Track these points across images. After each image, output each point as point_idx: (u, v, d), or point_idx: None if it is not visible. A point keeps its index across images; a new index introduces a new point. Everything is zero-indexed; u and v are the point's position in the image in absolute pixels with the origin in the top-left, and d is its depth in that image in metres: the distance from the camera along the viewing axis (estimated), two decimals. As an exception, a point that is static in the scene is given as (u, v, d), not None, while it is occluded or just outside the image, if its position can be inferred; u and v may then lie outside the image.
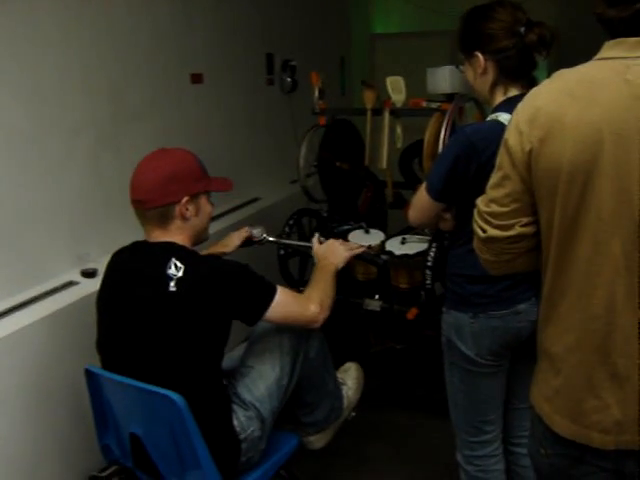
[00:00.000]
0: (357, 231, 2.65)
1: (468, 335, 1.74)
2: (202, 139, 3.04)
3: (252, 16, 3.41)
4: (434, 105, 2.37)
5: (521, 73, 1.66)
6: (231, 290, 1.67)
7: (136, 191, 1.72)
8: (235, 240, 2.27)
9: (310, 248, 2.22)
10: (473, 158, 1.61)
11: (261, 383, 1.83)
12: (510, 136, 1.17)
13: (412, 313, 2.41)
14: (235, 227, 2.88)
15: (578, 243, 1.11)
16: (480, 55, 1.64)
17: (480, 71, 1.66)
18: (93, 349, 1.81)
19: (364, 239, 2.55)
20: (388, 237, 2.60)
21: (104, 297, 1.78)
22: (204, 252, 2.03)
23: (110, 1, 2.43)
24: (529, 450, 1.35)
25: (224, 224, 3.06)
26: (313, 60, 3.79)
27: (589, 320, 1.12)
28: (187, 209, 1.72)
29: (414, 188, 2.83)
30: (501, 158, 1.20)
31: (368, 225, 2.67)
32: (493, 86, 1.68)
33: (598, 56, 1.13)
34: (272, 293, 1.73)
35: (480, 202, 1.26)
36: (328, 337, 2.38)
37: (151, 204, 1.69)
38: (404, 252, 2.44)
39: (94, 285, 1.98)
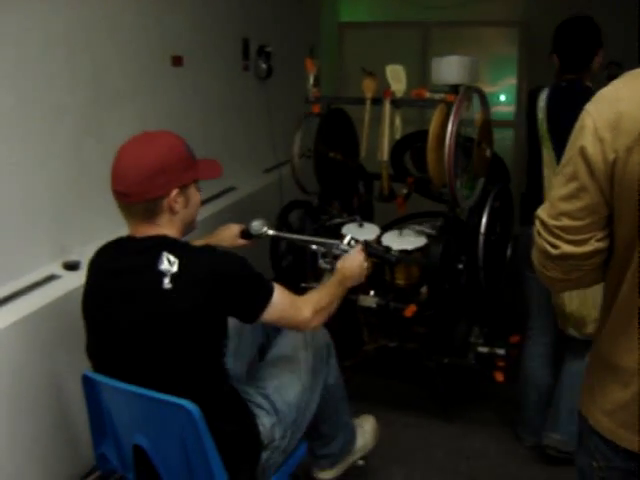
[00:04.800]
0: (350, 224, 2.55)
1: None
2: (181, 123, 2.86)
3: (230, -2, 3.26)
4: (438, 96, 2.29)
5: None
6: (231, 288, 1.54)
7: (119, 182, 1.52)
8: (231, 233, 2.13)
9: (309, 242, 2.12)
10: None
11: (290, 390, 1.78)
12: (588, 144, 1.08)
13: (410, 310, 2.33)
14: (215, 218, 2.75)
15: None
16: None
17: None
18: (80, 348, 1.65)
19: (358, 233, 2.44)
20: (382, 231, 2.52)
21: (90, 302, 1.61)
22: (198, 242, 1.89)
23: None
24: (578, 463, 1.31)
25: (202, 215, 2.90)
26: (286, 47, 3.68)
27: None
28: (176, 202, 1.55)
29: (404, 181, 2.78)
30: (576, 167, 1.10)
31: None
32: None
33: None
34: (270, 294, 1.61)
35: (545, 215, 1.16)
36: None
37: (136, 198, 1.51)
38: (402, 247, 2.36)
39: (78, 278, 1.83)
